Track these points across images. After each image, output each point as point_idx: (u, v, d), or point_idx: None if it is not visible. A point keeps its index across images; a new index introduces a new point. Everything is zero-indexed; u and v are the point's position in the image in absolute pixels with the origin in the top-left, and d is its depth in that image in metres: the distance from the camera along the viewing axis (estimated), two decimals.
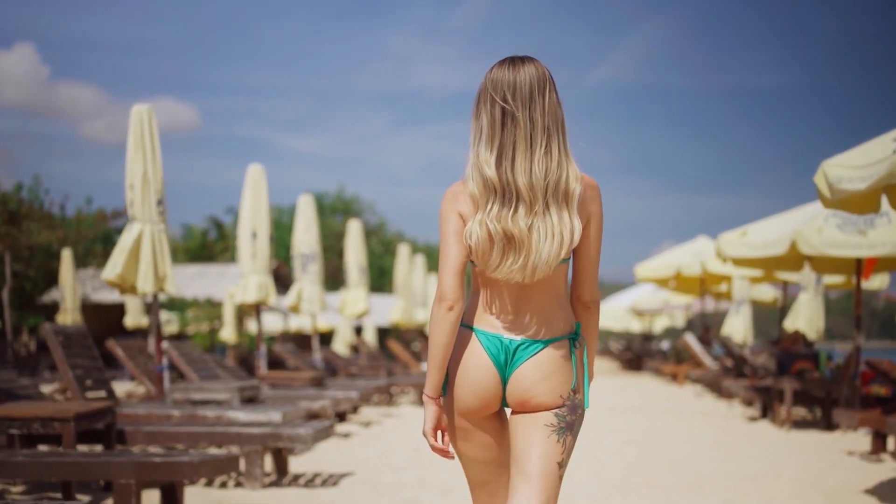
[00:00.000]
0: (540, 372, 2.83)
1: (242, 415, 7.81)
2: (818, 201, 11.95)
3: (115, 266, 9.01)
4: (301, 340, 32.34)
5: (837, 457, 8.74)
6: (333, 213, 48.33)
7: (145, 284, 9.05)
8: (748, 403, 14.09)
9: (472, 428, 2.89)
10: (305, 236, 14.83)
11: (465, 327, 2.86)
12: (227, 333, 21.18)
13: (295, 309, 14.92)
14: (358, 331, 29.70)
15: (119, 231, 39.79)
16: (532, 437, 2.83)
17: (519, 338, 2.82)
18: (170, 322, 29.19)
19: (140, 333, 28.32)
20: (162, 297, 29.04)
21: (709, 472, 7.64)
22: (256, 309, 12.70)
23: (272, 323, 27.94)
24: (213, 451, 7.60)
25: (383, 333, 31.80)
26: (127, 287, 9.17)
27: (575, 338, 2.87)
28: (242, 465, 7.00)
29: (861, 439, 10.07)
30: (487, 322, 2.85)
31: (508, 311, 2.84)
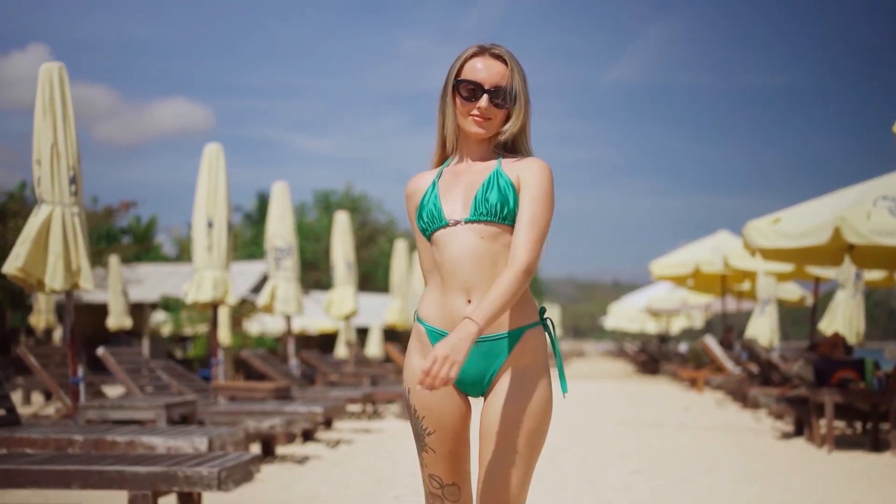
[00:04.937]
0: None
1: (160, 440, 6.28)
2: (862, 184, 10.34)
3: (16, 257, 7.46)
4: (303, 342, 30.85)
5: None
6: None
7: (54, 280, 7.48)
8: (778, 416, 12.40)
9: None
10: (280, 228, 13.22)
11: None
12: (222, 335, 19.54)
13: (268, 309, 13.32)
14: (364, 333, 28.13)
15: (122, 228, 38.63)
16: None
17: None
18: (165, 323, 27.80)
19: (125, 334, 26.90)
20: (155, 297, 27.64)
21: None
22: (214, 309, 11.08)
23: (275, 324, 26.40)
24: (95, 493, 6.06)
25: (392, 336, 30.18)
26: (32, 283, 7.61)
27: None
28: None
29: None
30: None
31: None
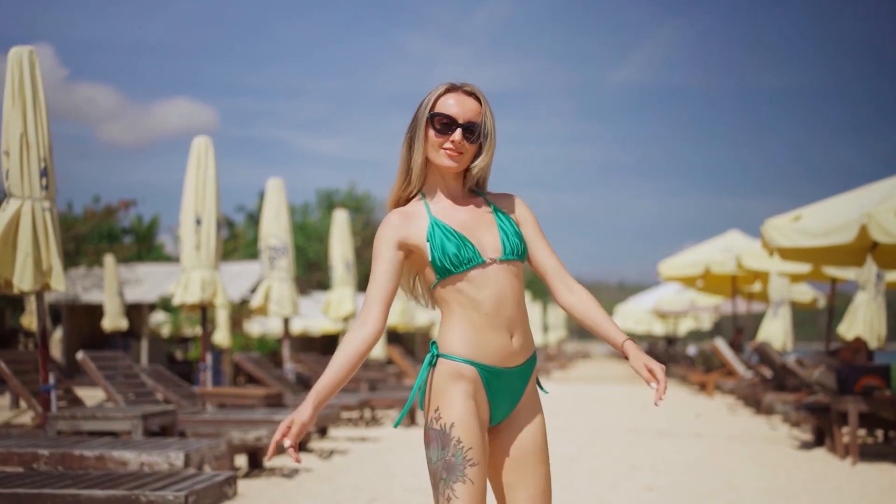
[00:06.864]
0: None
1: (133, 455, 5.76)
2: (887, 180, 9.76)
3: None
4: (305, 343, 30.31)
5: None
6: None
7: (23, 280, 6.96)
8: (794, 423, 11.81)
9: None
10: (274, 226, 12.68)
11: None
12: (221, 337, 18.97)
13: (262, 310, 12.78)
14: None
15: (124, 228, 38.12)
16: None
17: None
18: (165, 324, 27.26)
19: (123, 336, 26.36)
20: (154, 298, 27.08)
21: None
22: (202, 311, 10.55)
23: (276, 325, 25.85)
24: None
25: (394, 337, 29.59)
26: (0, 283, 7.07)
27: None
28: None
29: None
30: None
31: None
